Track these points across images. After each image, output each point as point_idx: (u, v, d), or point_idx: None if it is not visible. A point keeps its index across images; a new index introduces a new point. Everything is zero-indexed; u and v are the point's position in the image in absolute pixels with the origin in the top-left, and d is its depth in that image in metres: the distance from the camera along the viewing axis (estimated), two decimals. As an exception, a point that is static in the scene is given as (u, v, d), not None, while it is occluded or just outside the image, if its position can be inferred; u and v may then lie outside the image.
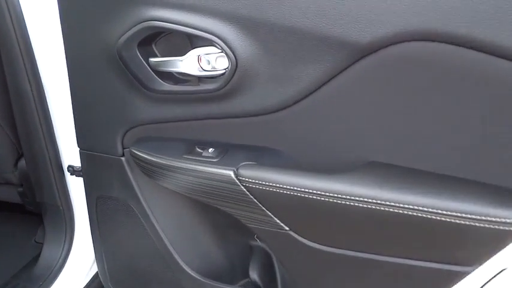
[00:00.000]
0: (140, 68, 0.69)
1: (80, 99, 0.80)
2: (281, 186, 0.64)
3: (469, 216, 0.54)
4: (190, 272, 0.85)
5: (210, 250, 0.90)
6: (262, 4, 0.57)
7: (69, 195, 1.05)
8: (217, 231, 0.88)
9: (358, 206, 0.60)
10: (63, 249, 1.08)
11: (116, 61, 0.69)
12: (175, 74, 0.69)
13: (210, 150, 0.72)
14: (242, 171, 0.67)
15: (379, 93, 0.59)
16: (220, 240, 0.89)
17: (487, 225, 0.53)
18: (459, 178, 0.58)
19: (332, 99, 0.61)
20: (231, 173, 0.68)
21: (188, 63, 0.66)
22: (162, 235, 0.84)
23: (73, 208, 1.07)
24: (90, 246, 0.99)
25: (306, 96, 0.62)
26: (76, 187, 1.03)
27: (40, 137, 0.96)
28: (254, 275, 0.88)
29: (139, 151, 0.77)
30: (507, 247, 0.54)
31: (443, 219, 0.55)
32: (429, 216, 0.56)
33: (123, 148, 0.80)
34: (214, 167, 0.69)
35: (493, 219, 0.53)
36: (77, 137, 0.85)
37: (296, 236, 0.69)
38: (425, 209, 0.56)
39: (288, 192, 0.64)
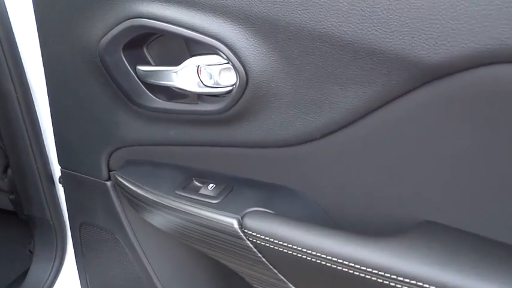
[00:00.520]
0: (126, 77, 0.56)
1: (59, 111, 0.69)
2: (300, 249, 0.48)
3: None
4: None
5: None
6: (285, 0, 0.41)
7: (60, 209, 0.95)
8: (217, 278, 0.75)
9: None
10: (52, 269, 0.99)
11: (98, 67, 0.57)
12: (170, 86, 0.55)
13: (210, 186, 0.56)
14: (248, 221, 0.51)
15: (445, 131, 0.43)
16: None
17: None
18: None
19: (376, 133, 0.46)
20: (235, 223, 0.52)
21: (184, 76, 0.52)
22: (154, 277, 0.72)
23: (65, 223, 0.97)
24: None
25: (340, 128, 0.47)
26: None
27: (27, 144, 0.86)
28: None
29: (125, 178, 0.64)
30: None
31: None
32: None
33: (109, 171, 0.68)
34: (213, 212, 0.54)
35: None
36: (57, 153, 0.74)
37: None
38: None
39: (309, 258, 0.47)
